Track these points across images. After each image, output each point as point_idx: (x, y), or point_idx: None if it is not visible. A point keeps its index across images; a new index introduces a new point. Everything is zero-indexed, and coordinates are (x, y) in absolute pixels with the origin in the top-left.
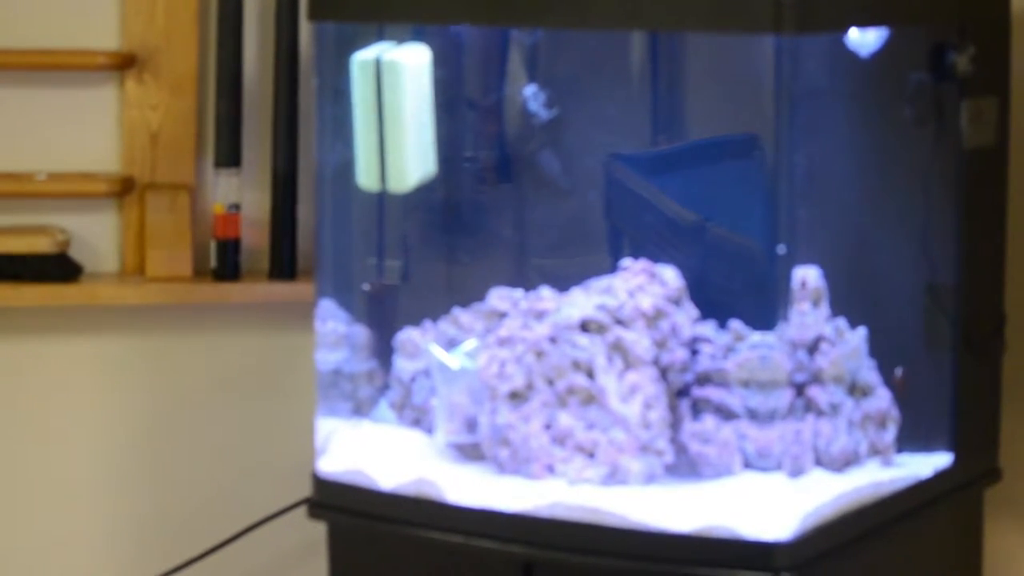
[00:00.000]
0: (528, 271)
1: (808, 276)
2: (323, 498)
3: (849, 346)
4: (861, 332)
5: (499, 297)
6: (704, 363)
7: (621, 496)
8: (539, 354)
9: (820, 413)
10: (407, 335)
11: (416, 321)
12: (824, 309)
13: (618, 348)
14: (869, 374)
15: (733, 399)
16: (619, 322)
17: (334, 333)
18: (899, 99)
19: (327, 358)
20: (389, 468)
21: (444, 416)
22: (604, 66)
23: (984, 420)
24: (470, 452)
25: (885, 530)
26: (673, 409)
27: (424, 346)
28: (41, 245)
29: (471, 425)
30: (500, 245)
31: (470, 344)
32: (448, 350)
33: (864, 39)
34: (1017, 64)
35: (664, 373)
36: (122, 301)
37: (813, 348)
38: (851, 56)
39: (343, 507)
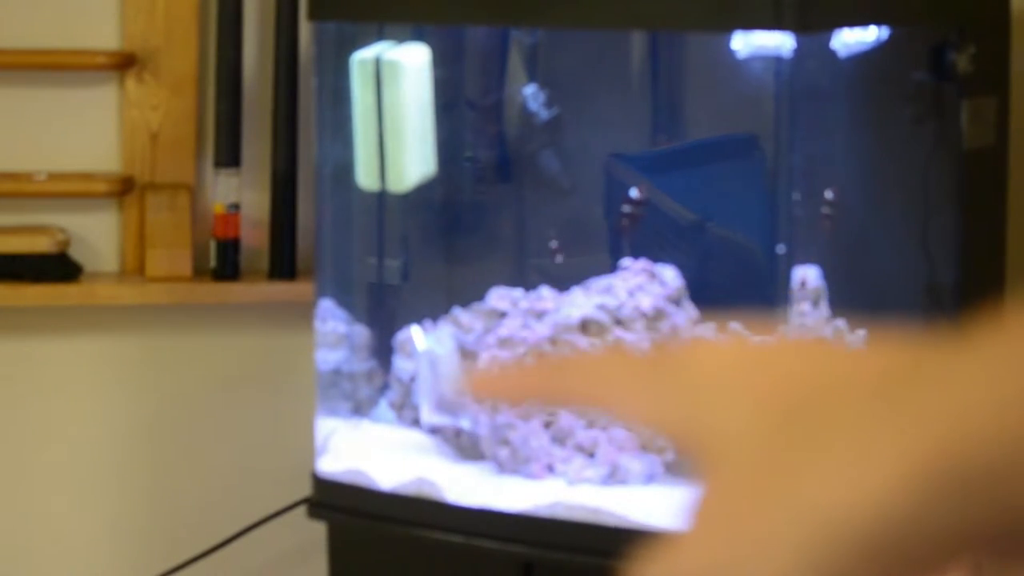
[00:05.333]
0: (528, 271)
1: (808, 276)
2: (323, 498)
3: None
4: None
5: (499, 297)
6: None
7: (621, 496)
8: (539, 354)
9: None
10: (407, 335)
11: (416, 321)
12: (824, 309)
13: (618, 347)
14: None
15: None
16: (619, 322)
17: (334, 333)
18: (899, 99)
19: (327, 358)
20: (389, 468)
21: (423, 399)
22: (604, 66)
23: None
24: (471, 452)
25: None
26: None
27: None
28: (41, 245)
29: (449, 408)
30: (500, 245)
31: (444, 330)
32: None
33: (863, 39)
34: (1017, 64)
35: None
36: (122, 301)
37: None
38: (851, 56)
39: (343, 507)
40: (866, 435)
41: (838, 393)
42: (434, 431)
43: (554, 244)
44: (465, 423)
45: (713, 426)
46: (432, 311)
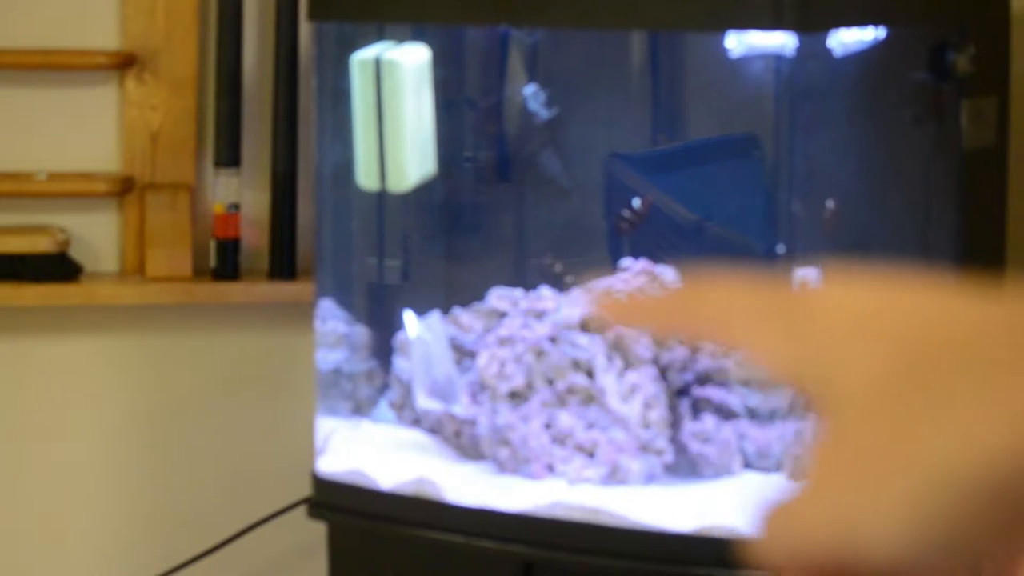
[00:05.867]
0: (528, 271)
1: (808, 276)
2: (323, 498)
3: None
4: None
5: (499, 297)
6: (704, 362)
7: (621, 496)
8: (539, 354)
9: None
10: (407, 335)
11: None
12: None
13: (618, 347)
14: None
15: (733, 398)
16: None
17: (334, 333)
18: (899, 99)
19: (327, 358)
20: (389, 468)
21: (416, 385)
22: (604, 66)
23: None
24: (471, 452)
25: None
26: (673, 409)
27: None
28: (41, 245)
29: (442, 394)
30: (500, 245)
31: (435, 317)
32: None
33: (863, 39)
34: (1017, 64)
35: (664, 372)
36: (122, 301)
37: None
38: (851, 56)
39: (343, 507)
40: (989, 388)
41: (965, 344)
42: (434, 431)
43: (559, 267)
44: (458, 409)
45: (835, 371)
46: (432, 311)
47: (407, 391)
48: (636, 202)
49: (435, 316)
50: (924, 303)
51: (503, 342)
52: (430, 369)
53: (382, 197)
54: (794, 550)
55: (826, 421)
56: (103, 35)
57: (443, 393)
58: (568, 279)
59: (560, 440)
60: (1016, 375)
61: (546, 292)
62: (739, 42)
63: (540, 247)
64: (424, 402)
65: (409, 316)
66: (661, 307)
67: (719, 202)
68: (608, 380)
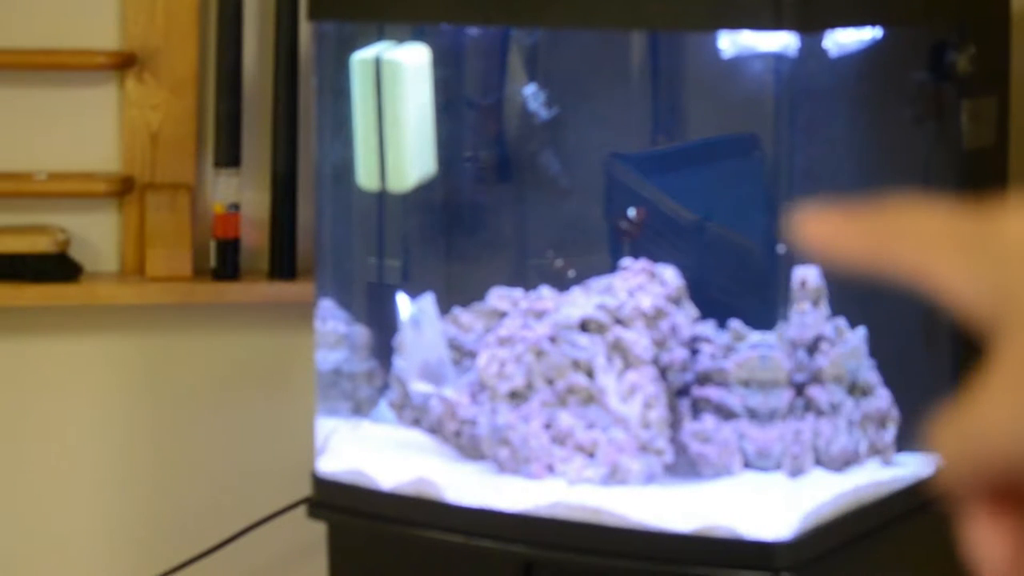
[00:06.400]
0: (528, 271)
1: (808, 276)
2: (323, 498)
3: (849, 346)
4: (861, 332)
5: (499, 297)
6: (704, 363)
7: (621, 496)
8: (539, 353)
9: (820, 413)
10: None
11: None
12: (824, 309)
13: (618, 348)
14: (869, 374)
15: (733, 399)
16: (619, 322)
17: (334, 333)
18: (899, 99)
19: (327, 358)
20: (389, 468)
21: (409, 367)
22: (604, 66)
23: None
24: (471, 452)
25: (885, 530)
26: (673, 409)
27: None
28: (41, 245)
29: (434, 377)
30: (500, 245)
31: (427, 299)
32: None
33: (863, 39)
34: (1017, 64)
35: (664, 373)
36: (122, 301)
37: (813, 348)
38: (851, 56)
39: (343, 507)
40: None
41: None
42: (434, 431)
43: (560, 263)
44: (449, 392)
45: (1018, 295)
46: (426, 294)
47: (407, 391)
48: (631, 212)
49: (428, 298)
50: None
51: (503, 342)
52: (422, 351)
53: (382, 197)
54: (970, 460)
55: (1010, 342)
56: (103, 35)
57: (435, 375)
58: (568, 278)
59: (560, 440)
60: None
61: (546, 292)
62: (739, 42)
63: (540, 247)
64: (416, 385)
65: (402, 299)
66: (865, 232)
67: (719, 202)
68: (608, 380)
